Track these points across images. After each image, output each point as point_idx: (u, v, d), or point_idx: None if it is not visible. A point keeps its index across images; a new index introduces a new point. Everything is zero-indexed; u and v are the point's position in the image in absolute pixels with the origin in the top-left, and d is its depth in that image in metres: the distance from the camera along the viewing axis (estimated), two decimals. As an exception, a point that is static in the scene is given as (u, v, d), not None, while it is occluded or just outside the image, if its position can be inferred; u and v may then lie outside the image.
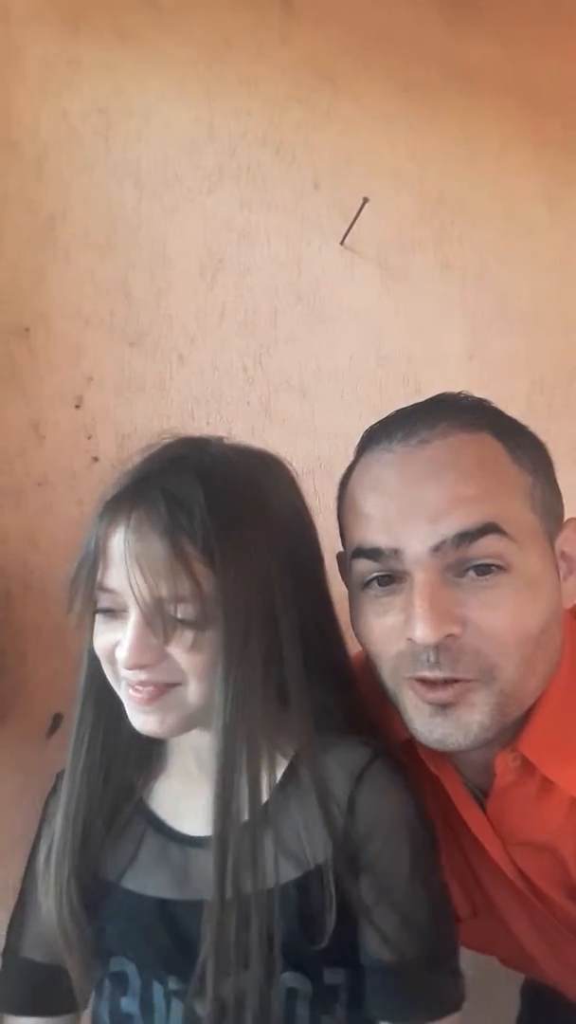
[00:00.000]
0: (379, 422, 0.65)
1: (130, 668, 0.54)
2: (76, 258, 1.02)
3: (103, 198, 1.05)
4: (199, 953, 0.54)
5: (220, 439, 0.63)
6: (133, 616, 0.53)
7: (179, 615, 0.53)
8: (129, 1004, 0.58)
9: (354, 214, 1.09)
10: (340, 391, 1.10)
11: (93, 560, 0.54)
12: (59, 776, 0.64)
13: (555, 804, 0.60)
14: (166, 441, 0.61)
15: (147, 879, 0.59)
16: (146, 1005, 0.58)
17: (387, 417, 0.65)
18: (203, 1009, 0.55)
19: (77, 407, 0.99)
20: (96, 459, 0.99)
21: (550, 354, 1.19)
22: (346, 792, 0.56)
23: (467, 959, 0.82)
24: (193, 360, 1.04)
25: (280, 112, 1.14)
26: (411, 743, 0.61)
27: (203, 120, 1.10)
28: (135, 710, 0.56)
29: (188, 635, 0.54)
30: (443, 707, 0.56)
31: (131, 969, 0.59)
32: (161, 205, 1.07)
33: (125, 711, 0.58)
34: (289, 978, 0.55)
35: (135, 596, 0.53)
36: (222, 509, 0.55)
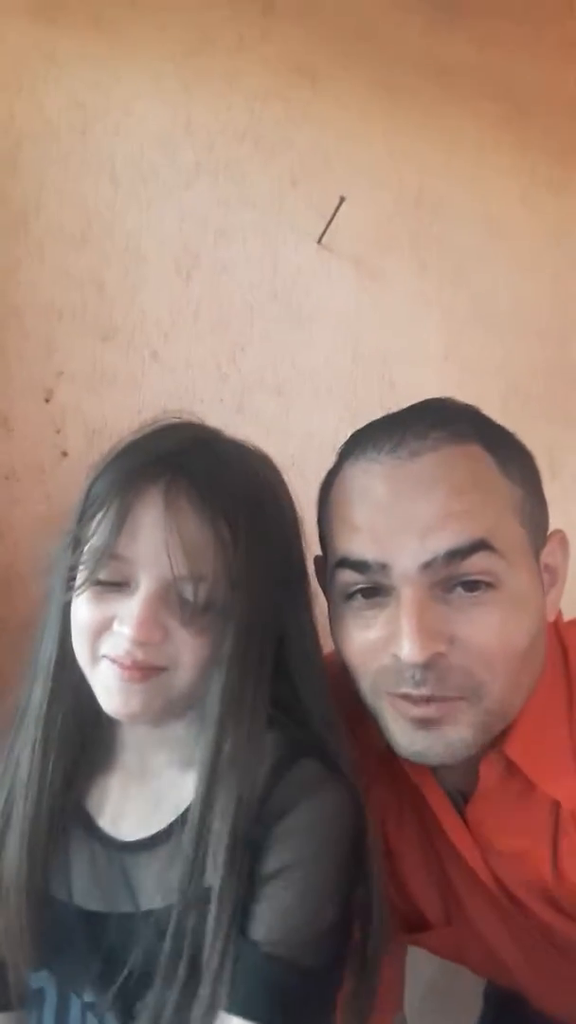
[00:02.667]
0: (365, 428, 0.62)
1: (138, 643, 0.51)
2: (49, 252, 1.02)
3: (78, 192, 1.04)
4: (121, 966, 0.52)
5: (222, 431, 0.62)
6: (148, 589, 0.51)
7: (202, 595, 0.52)
8: (48, 1020, 0.56)
9: (331, 212, 1.09)
10: (315, 390, 1.10)
11: (113, 527, 0.51)
12: (6, 758, 0.60)
13: (535, 808, 0.60)
14: (172, 420, 0.59)
15: (71, 885, 0.57)
16: (61, 1021, 0.56)
17: (373, 424, 0.62)
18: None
19: (47, 401, 0.98)
20: (65, 453, 0.98)
21: (526, 356, 1.19)
22: (262, 786, 0.54)
23: (432, 959, 0.82)
24: (166, 356, 1.04)
25: (259, 108, 1.13)
26: (389, 752, 0.59)
27: (181, 115, 1.10)
28: (119, 689, 0.52)
29: (203, 617, 0.52)
30: (426, 722, 0.55)
31: (49, 984, 0.57)
32: (137, 200, 1.06)
33: (86, 695, 0.55)
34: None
35: (162, 570, 0.51)
36: (253, 497, 0.55)
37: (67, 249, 1.02)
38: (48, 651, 0.57)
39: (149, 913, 0.54)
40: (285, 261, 1.11)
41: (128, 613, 0.51)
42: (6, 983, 0.57)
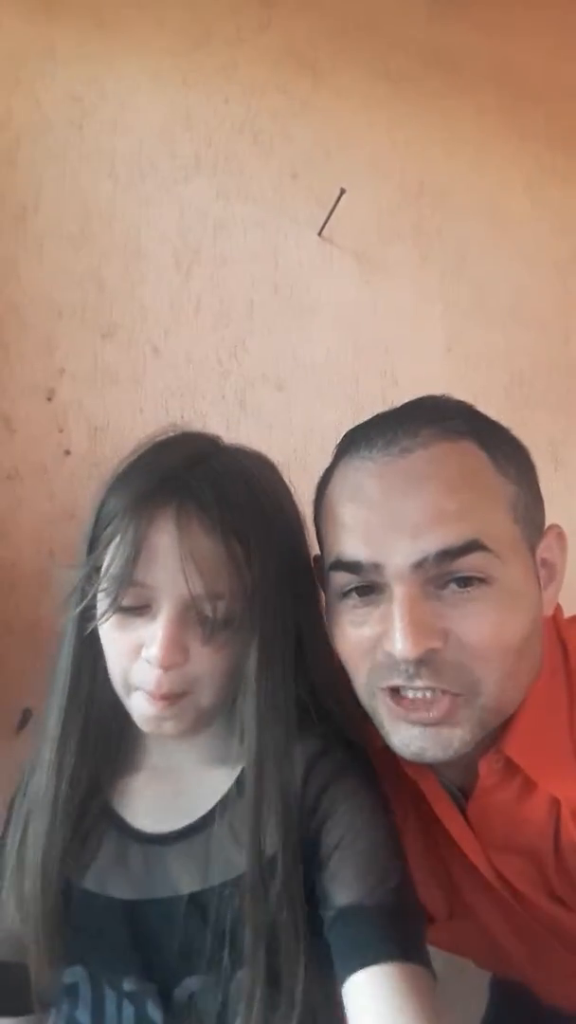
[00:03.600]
0: (359, 426, 0.62)
1: (164, 666, 0.53)
2: (48, 249, 1.01)
3: (76, 188, 1.03)
4: (161, 951, 0.54)
5: (220, 438, 0.62)
6: (169, 611, 0.53)
7: (220, 613, 0.54)
8: (82, 1015, 0.58)
9: (332, 205, 1.08)
10: (316, 384, 1.09)
11: (130, 554, 0.52)
12: (28, 773, 0.63)
13: (536, 806, 0.60)
14: (171, 435, 0.60)
15: (107, 879, 0.58)
16: (97, 1013, 0.57)
17: (367, 421, 0.62)
18: (157, 1011, 0.55)
19: (49, 400, 0.98)
20: (68, 452, 0.98)
21: (529, 347, 1.18)
22: (300, 778, 0.57)
23: (435, 952, 0.82)
24: (167, 352, 1.03)
25: (258, 100, 1.12)
26: (387, 749, 0.60)
27: (179, 108, 1.09)
28: (152, 716, 0.55)
29: (224, 633, 0.54)
30: (424, 723, 0.55)
31: (83, 978, 0.58)
32: (136, 195, 1.06)
33: (102, 708, 0.58)
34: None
35: (181, 592, 0.52)
36: (260, 509, 0.56)
37: (66, 246, 1.02)
38: (62, 677, 0.60)
39: (193, 896, 0.56)
40: (285, 254, 1.10)
41: (152, 637, 0.54)
42: (28, 987, 0.58)
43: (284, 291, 1.09)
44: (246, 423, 1.04)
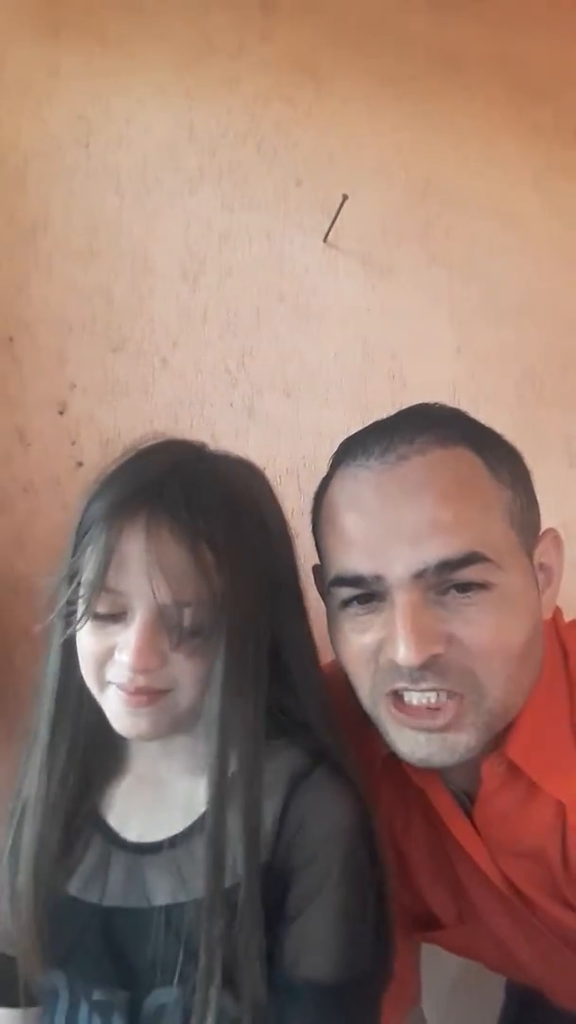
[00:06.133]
0: (355, 435, 0.63)
1: (137, 671, 0.53)
2: (58, 266, 1.03)
3: (84, 205, 1.06)
4: (130, 962, 0.54)
5: (205, 444, 0.62)
6: (142, 619, 0.53)
7: (188, 620, 0.54)
8: (59, 1021, 0.58)
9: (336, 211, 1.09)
10: (324, 389, 1.09)
11: (102, 561, 0.53)
12: (21, 776, 0.63)
13: (541, 808, 0.60)
14: (154, 442, 0.60)
15: (88, 885, 0.59)
16: (71, 1022, 0.57)
17: (363, 430, 0.63)
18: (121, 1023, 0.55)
19: (61, 413, 1.00)
20: (80, 464, 1.00)
21: (540, 345, 1.16)
22: (281, 798, 0.56)
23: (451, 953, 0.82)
24: (176, 363, 1.05)
25: (261, 109, 1.13)
26: (393, 757, 0.60)
27: (183, 121, 1.11)
28: (127, 714, 0.55)
29: (193, 640, 0.54)
30: (429, 729, 0.56)
31: (62, 984, 0.59)
32: (142, 210, 1.07)
33: (90, 715, 0.59)
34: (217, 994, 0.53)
35: (150, 599, 0.53)
36: (235, 517, 0.55)
37: (75, 262, 1.04)
38: (50, 681, 0.60)
39: (163, 909, 0.56)
40: (291, 262, 1.11)
41: (126, 643, 0.54)
42: (15, 980, 0.59)
43: (290, 298, 1.10)
44: (255, 430, 1.05)
